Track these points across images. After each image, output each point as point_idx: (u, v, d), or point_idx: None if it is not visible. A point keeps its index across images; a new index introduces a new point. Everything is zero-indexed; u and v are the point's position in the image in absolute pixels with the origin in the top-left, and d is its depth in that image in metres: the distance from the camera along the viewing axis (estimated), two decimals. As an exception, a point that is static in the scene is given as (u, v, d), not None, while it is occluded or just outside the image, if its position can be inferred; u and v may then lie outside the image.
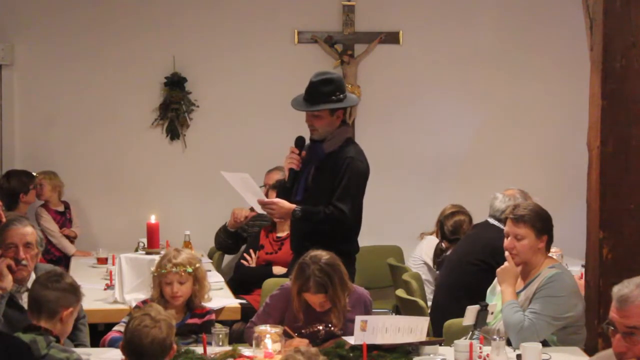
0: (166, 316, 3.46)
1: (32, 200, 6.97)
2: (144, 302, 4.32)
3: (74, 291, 3.74)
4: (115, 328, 4.29)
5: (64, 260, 7.00)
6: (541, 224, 4.32)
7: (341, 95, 4.92)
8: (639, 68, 4.39)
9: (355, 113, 7.82)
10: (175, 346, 3.44)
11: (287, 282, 4.45)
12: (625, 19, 4.37)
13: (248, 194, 5.04)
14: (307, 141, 5.06)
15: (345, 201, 4.83)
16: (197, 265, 4.39)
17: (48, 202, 7.18)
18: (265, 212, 5.11)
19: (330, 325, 4.20)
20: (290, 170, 5.01)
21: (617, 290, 3.01)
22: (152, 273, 4.43)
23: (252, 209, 6.46)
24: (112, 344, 4.13)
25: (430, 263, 6.31)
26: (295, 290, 4.18)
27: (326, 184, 4.87)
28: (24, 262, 4.25)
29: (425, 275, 6.35)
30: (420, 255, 6.48)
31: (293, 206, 4.93)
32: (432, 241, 6.48)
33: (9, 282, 4.11)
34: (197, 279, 4.37)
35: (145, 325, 3.35)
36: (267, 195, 6.46)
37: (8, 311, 4.11)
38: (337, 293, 4.15)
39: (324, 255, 4.20)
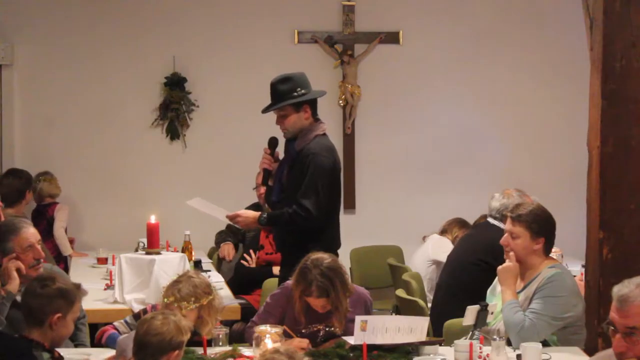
0: (178, 320, 3.43)
1: (29, 201, 6.98)
2: (154, 307, 4.28)
3: (64, 295, 3.64)
4: (115, 323, 4.26)
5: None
6: (538, 226, 4.31)
7: (302, 91, 4.90)
8: (639, 68, 4.39)
9: (355, 113, 7.82)
10: (178, 352, 3.40)
11: (287, 281, 4.45)
12: (625, 19, 4.37)
13: (214, 212, 5.06)
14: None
15: (308, 197, 4.77)
16: (204, 301, 4.03)
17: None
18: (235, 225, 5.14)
19: (330, 326, 4.20)
20: (264, 170, 5.04)
21: (617, 290, 3.02)
22: (162, 293, 4.17)
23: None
24: (110, 342, 4.12)
25: (443, 260, 6.27)
26: (297, 294, 4.17)
27: (297, 182, 4.87)
28: (41, 260, 4.26)
29: (433, 275, 6.34)
30: (429, 255, 6.44)
31: (257, 214, 4.95)
32: (439, 240, 6.46)
33: (15, 285, 4.10)
34: (201, 315, 4.04)
35: (153, 317, 3.40)
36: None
37: (9, 311, 4.11)
38: (339, 296, 4.13)
39: (325, 258, 4.18)
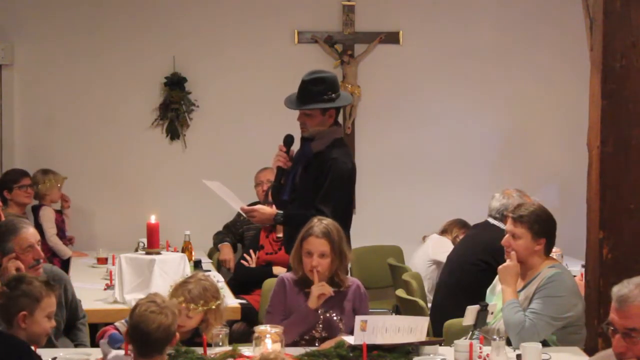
0: (171, 304, 3.49)
1: (22, 201, 6.86)
2: None
3: (27, 294, 3.62)
4: (116, 323, 4.26)
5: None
6: (539, 226, 4.32)
7: (333, 95, 4.91)
8: (639, 68, 4.39)
9: (355, 113, 7.82)
10: (177, 335, 3.47)
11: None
12: (625, 19, 4.38)
13: (230, 200, 5.05)
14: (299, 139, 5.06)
15: (326, 203, 4.80)
16: (212, 305, 4.03)
17: (51, 200, 7.16)
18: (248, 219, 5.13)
19: (329, 312, 4.21)
20: (278, 168, 5.03)
21: (617, 290, 3.01)
22: (169, 291, 4.14)
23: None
24: (109, 341, 4.10)
25: (443, 260, 6.29)
26: (299, 238, 4.25)
27: (311, 184, 4.86)
28: (40, 260, 4.26)
29: (433, 275, 6.35)
30: (429, 255, 6.44)
31: (274, 211, 4.96)
32: (439, 240, 6.47)
33: None
34: (207, 318, 4.04)
35: (152, 311, 3.38)
36: (267, 195, 6.50)
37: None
38: (342, 246, 4.22)
39: (329, 219, 4.32)
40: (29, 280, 3.71)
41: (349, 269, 5.05)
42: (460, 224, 6.52)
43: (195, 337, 4.08)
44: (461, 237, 6.19)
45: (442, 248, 6.28)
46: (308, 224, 4.28)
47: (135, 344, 3.41)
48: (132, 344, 3.44)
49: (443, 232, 6.54)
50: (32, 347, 3.58)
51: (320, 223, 4.26)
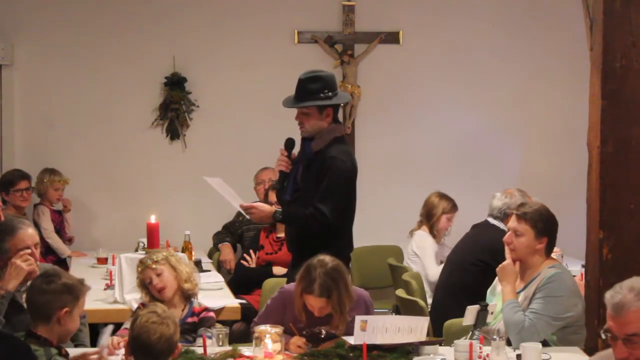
0: (171, 314, 3.50)
1: (18, 204, 6.85)
2: (143, 304, 4.33)
3: (69, 290, 3.65)
4: (125, 326, 4.28)
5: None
6: (543, 225, 4.31)
7: (330, 93, 4.87)
8: (639, 68, 4.39)
9: (355, 113, 7.83)
10: (180, 345, 3.48)
11: (286, 284, 4.45)
12: (625, 19, 4.37)
13: (229, 197, 5.05)
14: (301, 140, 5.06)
15: (325, 202, 4.75)
16: (165, 253, 4.51)
17: (48, 200, 7.16)
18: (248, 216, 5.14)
19: (330, 329, 4.19)
20: (280, 172, 5.02)
21: (610, 297, 2.95)
22: (136, 280, 4.53)
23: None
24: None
25: (424, 255, 6.39)
26: (298, 290, 4.16)
27: (312, 183, 4.85)
28: (37, 262, 4.25)
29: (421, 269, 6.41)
30: (412, 248, 6.53)
31: (273, 209, 4.95)
32: (419, 234, 6.54)
33: (15, 284, 4.10)
34: (171, 266, 4.43)
35: (153, 321, 3.38)
36: (267, 194, 6.51)
37: (8, 310, 4.10)
38: (342, 299, 4.09)
39: (330, 261, 4.16)
40: (67, 275, 3.74)
41: (350, 268, 5.05)
42: (434, 197, 6.56)
43: (187, 311, 4.23)
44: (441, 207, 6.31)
45: (421, 242, 6.37)
46: (308, 272, 4.11)
47: (137, 355, 3.40)
48: (133, 355, 3.42)
49: (419, 222, 6.63)
50: (61, 347, 3.63)
51: (319, 276, 4.07)
